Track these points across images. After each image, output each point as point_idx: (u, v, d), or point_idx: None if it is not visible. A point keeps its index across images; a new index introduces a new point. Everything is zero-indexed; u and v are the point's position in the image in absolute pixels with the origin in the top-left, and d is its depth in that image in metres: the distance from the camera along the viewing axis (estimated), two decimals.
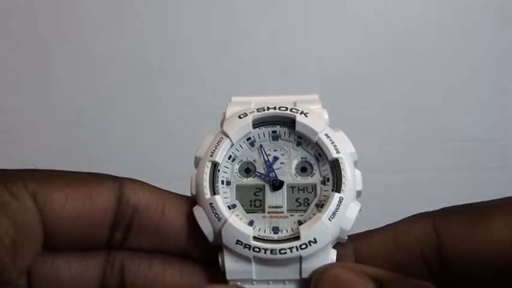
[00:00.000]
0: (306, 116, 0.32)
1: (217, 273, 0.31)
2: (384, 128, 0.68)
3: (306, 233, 0.30)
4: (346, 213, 0.30)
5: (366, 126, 0.67)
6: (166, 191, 0.32)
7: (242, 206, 0.32)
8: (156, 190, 0.32)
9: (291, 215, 0.31)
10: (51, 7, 0.67)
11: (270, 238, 0.31)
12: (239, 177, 0.32)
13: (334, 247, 0.31)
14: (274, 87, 0.65)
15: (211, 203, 0.31)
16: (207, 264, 0.32)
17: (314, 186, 0.32)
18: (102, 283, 0.31)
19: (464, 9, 0.69)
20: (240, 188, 0.32)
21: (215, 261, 0.31)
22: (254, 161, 0.32)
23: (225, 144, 0.32)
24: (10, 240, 0.27)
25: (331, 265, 0.30)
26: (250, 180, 0.32)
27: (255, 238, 0.30)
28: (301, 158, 0.32)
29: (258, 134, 0.32)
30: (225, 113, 0.33)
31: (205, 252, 0.31)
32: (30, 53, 0.68)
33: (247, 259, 0.30)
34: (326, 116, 0.32)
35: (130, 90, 0.68)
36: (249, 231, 0.30)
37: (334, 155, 0.31)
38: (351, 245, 0.31)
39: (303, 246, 0.30)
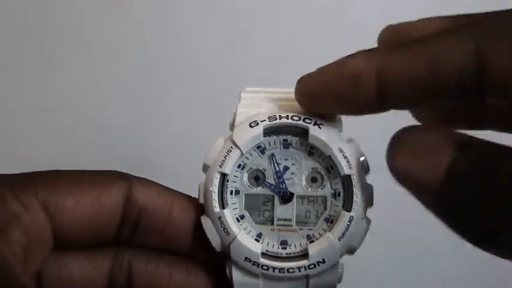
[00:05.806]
0: (320, 128, 0.31)
1: (223, 276, 0.31)
2: (384, 128, 0.68)
3: (315, 253, 0.30)
4: (356, 231, 0.30)
5: (366, 127, 0.67)
6: (175, 191, 0.32)
7: (251, 216, 0.32)
8: (165, 191, 0.31)
9: (300, 229, 0.31)
10: (51, 7, 0.67)
11: (278, 255, 0.31)
12: (248, 186, 0.32)
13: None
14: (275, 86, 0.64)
15: (220, 217, 0.31)
16: (212, 267, 0.32)
17: (324, 199, 0.31)
18: (110, 281, 0.31)
19: (464, 10, 0.69)
20: (249, 198, 0.32)
21: (221, 266, 0.31)
22: (264, 169, 0.32)
23: (235, 154, 0.31)
24: (22, 249, 0.27)
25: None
26: (260, 190, 0.32)
27: (263, 255, 0.30)
28: (312, 168, 0.31)
29: (269, 142, 0.31)
30: (235, 114, 0.32)
31: (211, 256, 0.31)
32: (30, 53, 0.67)
33: (255, 275, 0.31)
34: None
35: (131, 90, 0.68)
36: (258, 248, 0.30)
37: (347, 171, 0.30)
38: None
39: (311, 267, 0.30)
